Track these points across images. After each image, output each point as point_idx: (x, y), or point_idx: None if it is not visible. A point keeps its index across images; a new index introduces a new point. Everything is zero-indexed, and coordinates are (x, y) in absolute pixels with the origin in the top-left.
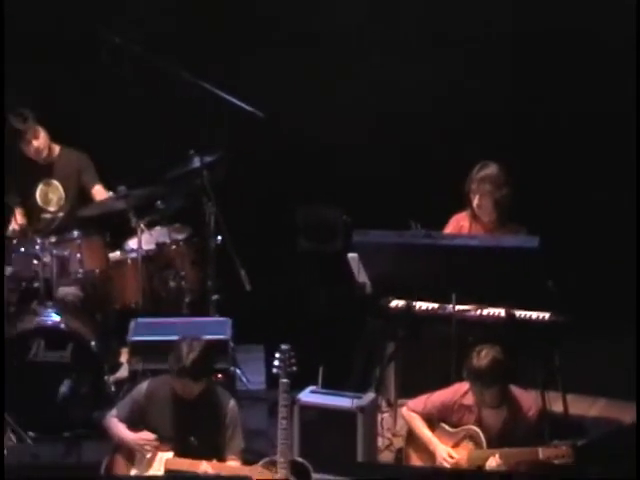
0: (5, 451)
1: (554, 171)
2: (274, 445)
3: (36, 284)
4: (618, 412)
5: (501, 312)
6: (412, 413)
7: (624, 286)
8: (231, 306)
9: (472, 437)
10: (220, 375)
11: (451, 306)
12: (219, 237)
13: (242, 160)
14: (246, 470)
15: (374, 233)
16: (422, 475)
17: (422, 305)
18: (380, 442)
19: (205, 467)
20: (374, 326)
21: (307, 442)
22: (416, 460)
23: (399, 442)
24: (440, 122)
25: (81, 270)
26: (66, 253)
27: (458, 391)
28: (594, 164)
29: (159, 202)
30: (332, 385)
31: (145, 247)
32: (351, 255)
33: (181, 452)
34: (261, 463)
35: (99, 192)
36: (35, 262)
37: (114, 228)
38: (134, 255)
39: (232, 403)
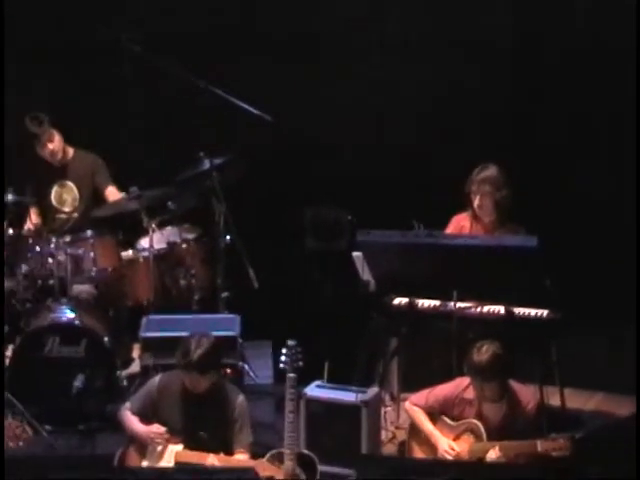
0: (21, 443)
1: (554, 171)
2: (281, 437)
3: (51, 282)
4: (614, 406)
5: (501, 309)
6: (414, 407)
7: (619, 284)
8: (240, 303)
9: (473, 430)
10: (229, 370)
11: (452, 303)
12: (228, 237)
13: (250, 162)
14: (251, 464)
15: (378, 233)
16: (424, 467)
17: (424, 302)
18: (384, 435)
19: (212, 460)
20: (378, 323)
21: (313, 435)
22: (418, 452)
23: (402, 435)
24: (440, 122)
25: (94, 268)
26: (80, 252)
27: (459, 385)
28: (594, 164)
29: (170, 203)
30: (337, 380)
31: (156, 246)
32: (356, 254)
33: (191, 445)
34: (268, 455)
35: (112, 193)
36: (50, 261)
37: (126, 228)
38: (146, 254)
39: (241, 398)
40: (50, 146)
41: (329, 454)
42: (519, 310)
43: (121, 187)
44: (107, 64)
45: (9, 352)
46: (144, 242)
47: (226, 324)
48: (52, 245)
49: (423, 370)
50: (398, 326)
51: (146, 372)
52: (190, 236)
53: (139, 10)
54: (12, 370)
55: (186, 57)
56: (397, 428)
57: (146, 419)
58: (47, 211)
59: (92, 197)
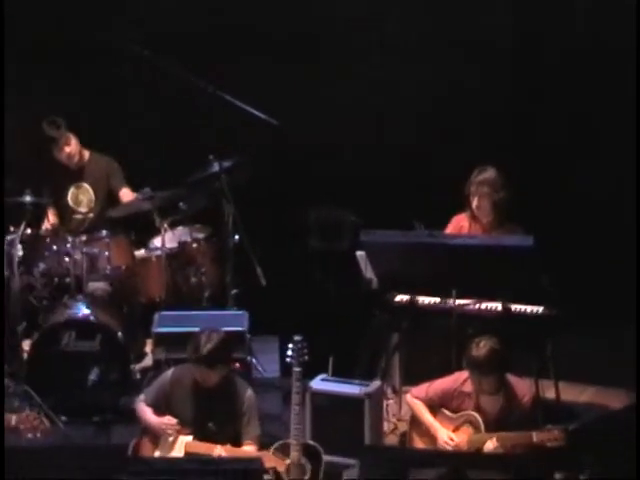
0: (38, 434)
1: (554, 171)
2: (288, 429)
3: (67, 279)
4: (607, 398)
5: (498, 306)
6: (415, 400)
7: (619, 283)
8: (248, 300)
9: (471, 422)
10: (237, 364)
11: (452, 300)
12: (237, 236)
13: (258, 164)
14: (255, 455)
15: (380, 233)
16: (425, 457)
17: (425, 299)
18: (386, 426)
19: (219, 451)
20: (380, 319)
21: (318, 426)
22: (419, 443)
23: (403, 426)
24: (440, 122)
25: (109, 267)
26: (95, 251)
27: (458, 379)
28: (594, 164)
29: (181, 204)
30: (341, 373)
31: (168, 245)
32: (359, 253)
33: (200, 436)
34: (274, 447)
35: (126, 194)
36: (67, 259)
37: (140, 228)
38: (158, 253)
39: (249, 392)
40: (67, 149)
41: (333, 444)
42: (516, 307)
43: (135, 188)
44: (107, 64)
45: (27, 347)
46: (156, 241)
47: (235, 320)
48: (69, 244)
49: (423, 364)
50: (399, 322)
51: (158, 366)
52: (200, 236)
53: (139, 10)
54: (30, 364)
55: (186, 57)
56: (399, 420)
57: (159, 411)
58: (64, 212)
59: (107, 198)
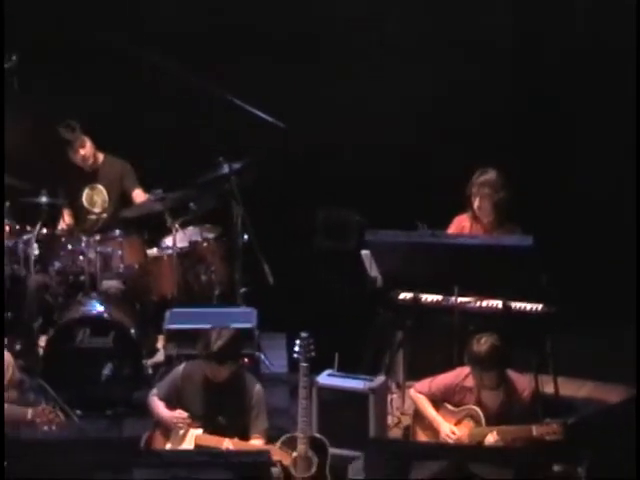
0: (53, 427)
1: (554, 171)
2: (295, 422)
3: (82, 278)
4: (604, 393)
5: (499, 304)
6: (418, 394)
7: (614, 282)
8: (256, 297)
9: (472, 416)
10: (246, 359)
11: (454, 298)
12: (246, 236)
13: (263, 166)
14: (262, 448)
15: (384, 233)
16: (427, 450)
17: (427, 297)
18: (390, 420)
19: (227, 444)
20: (384, 316)
21: (324, 420)
22: (422, 436)
23: (407, 420)
24: (440, 122)
25: (122, 265)
26: (109, 250)
27: (460, 374)
28: (594, 164)
29: (192, 204)
30: (347, 369)
31: (179, 244)
32: (364, 252)
33: (210, 430)
34: (281, 440)
35: (139, 195)
36: (81, 258)
37: (152, 227)
38: (169, 252)
39: (258, 387)
40: (82, 152)
41: (339, 437)
42: (516, 304)
43: (147, 189)
44: (107, 64)
45: (43, 343)
46: (168, 241)
47: (244, 317)
48: (83, 244)
49: (426, 360)
50: (403, 320)
51: (170, 361)
52: (210, 235)
53: (139, 10)
54: (46, 359)
55: (186, 57)
56: (402, 414)
57: (171, 405)
58: (79, 212)
59: (120, 199)
